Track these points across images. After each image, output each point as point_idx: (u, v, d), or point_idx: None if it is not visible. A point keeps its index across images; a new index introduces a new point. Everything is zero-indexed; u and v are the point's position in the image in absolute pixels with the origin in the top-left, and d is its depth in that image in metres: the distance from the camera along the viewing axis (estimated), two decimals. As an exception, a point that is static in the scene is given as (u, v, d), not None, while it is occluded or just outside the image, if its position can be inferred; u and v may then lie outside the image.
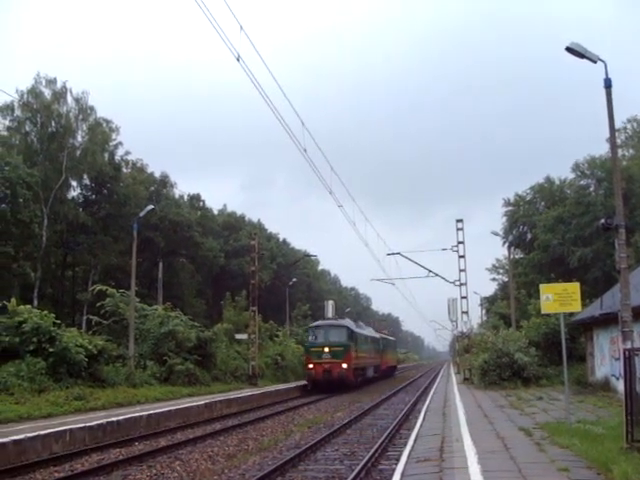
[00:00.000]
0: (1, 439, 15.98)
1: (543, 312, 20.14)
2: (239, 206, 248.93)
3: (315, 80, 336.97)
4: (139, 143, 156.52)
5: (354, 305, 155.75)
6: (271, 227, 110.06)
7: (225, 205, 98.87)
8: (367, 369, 52.77)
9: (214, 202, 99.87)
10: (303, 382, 47.25)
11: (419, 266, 50.11)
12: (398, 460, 13.61)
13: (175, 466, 15.42)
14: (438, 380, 52.68)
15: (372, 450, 16.43)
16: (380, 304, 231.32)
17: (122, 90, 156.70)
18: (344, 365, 43.56)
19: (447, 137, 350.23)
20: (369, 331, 60.68)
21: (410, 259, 49.96)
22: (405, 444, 15.89)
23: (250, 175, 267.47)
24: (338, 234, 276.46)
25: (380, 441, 18.07)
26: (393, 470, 12.64)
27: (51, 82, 60.17)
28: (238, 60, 18.48)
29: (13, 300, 28.89)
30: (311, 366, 44.24)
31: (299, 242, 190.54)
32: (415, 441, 15.55)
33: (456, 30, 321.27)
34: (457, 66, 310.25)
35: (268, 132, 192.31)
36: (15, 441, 16.22)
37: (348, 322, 49.82)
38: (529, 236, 76.19)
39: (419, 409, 26.40)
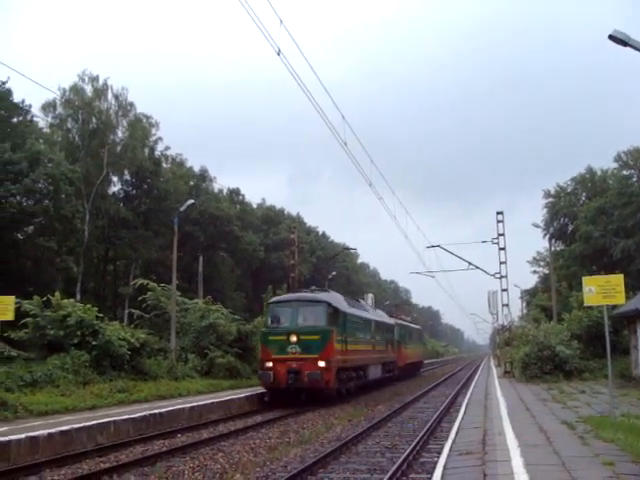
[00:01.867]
0: (49, 430, 16.30)
1: (586, 305, 19.96)
2: (285, 200, 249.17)
3: (356, 74, 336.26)
4: (181, 138, 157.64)
5: (393, 298, 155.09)
6: (313, 221, 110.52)
7: (264, 199, 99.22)
8: (367, 369, 36.01)
9: (262, 197, 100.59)
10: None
11: (459, 259, 49.73)
12: (440, 453, 13.60)
13: (218, 458, 15.56)
14: (478, 373, 52.41)
15: (413, 443, 16.41)
16: (420, 297, 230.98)
17: (165, 86, 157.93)
18: (321, 363, 27.53)
19: (492, 129, 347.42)
20: (376, 314, 43.42)
21: (450, 252, 49.64)
22: (446, 437, 15.86)
23: (296, 169, 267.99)
24: (378, 227, 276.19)
25: (421, 434, 18.04)
26: (435, 463, 12.63)
27: (93, 79, 60.91)
28: (279, 54, 18.52)
29: (57, 294, 29.31)
30: (269, 364, 28.08)
31: (339, 236, 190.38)
32: (456, 434, 15.50)
33: (499, 24, 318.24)
34: (501, 58, 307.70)
35: (311, 126, 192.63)
36: (62, 432, 16.53)
37: (332, 296, 32.38)
38: (570, 228, 75.30)
39: (460, 402, 26.32)
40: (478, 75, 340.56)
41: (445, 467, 11.39)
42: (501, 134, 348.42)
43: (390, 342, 44.71)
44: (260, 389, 29.69)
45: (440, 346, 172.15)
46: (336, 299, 32.06)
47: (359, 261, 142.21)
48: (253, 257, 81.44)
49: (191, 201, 39.55)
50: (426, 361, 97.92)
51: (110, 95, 61.79)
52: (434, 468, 11.90)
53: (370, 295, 54.89)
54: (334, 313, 29.62)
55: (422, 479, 12.79)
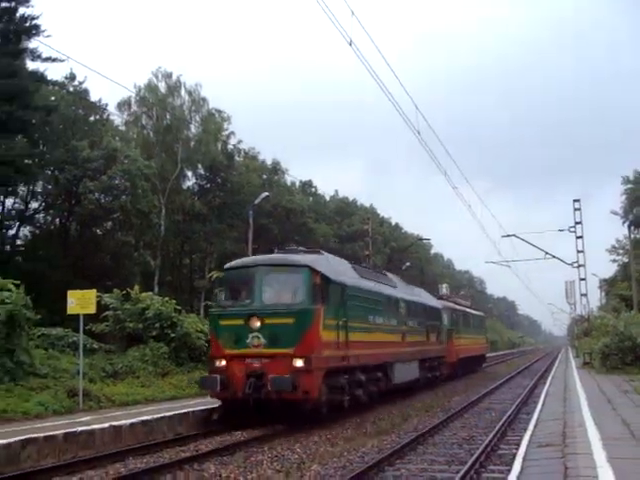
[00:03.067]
0: (131, 419, 16.72)
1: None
2: (358, 192, 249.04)
3: (427, 64, 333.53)
4: (254, 132, 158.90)
5: (468, 288, 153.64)
6: (387, 211, 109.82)
7: (337, 191, 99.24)
8: (392, 368, 25.36)
9: (335, 188, 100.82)
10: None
11: (536, 248, 48.90)
12: (518, 445, 13.42)
13: (295, 448, 15.67)
14: (556, 364, 51.53)
15: (491, 434, 16.26)
16: (495, 288, 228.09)
17: (238, 80, 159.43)
18: (297, 362, 18.05)
19: (576, 117, 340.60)
20: (409, 292, 32.04)
21: (526, 241, 48.76)
22: (525, 429, 15.65)
23: (370, 160, 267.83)
24: (453, 217, 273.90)
25: (499, 425, 17.86)
26: (514, 455, 12.49)
27: (167, 76, 61.88)
28: (350, 45, 18.48)
29: (136, 287, 30.00)
30: (220, 363, 18.99)
31: (413, 226, 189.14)
32: (535, 426, 15.30)
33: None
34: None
35: (386, 116, 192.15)
36: (144, 421, 16.95)
37: (322, 260, 21.39)
38: (650, 215, 73.28)
39: (538, 393, 25.94)
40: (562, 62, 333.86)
41: (525, 459, 11.26)
42: (586, 121, 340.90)
43: (435, 331, 34.01)
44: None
45: (516, 337, 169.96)
46: (329, 264, 21.36)
47: (433, 252, 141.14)
48: (327, 249, 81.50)
49: (265, 194, 39.83)
50: (500, 352, 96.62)
51: (183, 91, 62.67)
52: (513, 460, 11.78)
53: (445, 285, 54.41)
54: (323, 284, 19.28)
55: (501, 471, 12.65)
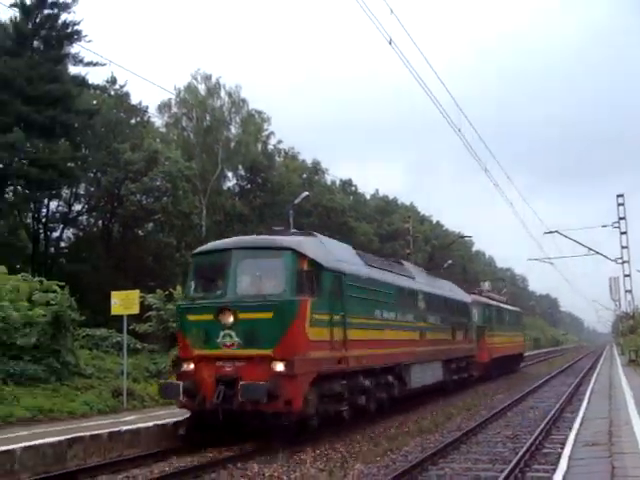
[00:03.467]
0: (175, 418, 16.83)
1: None
2: (398, 191, 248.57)
3: (473, 59, 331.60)
4: (294, 132, 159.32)
5: (509, 285, 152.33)
6: (428, 209, 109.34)
7: (377, 190, 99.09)
8: (409, 371, 22.44)
9: (376, 187, 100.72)
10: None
11: (579, 244, 48.27)
12: (563, 444, 13.27)
13: (338, 447, 15.68)
14: (601, 362, 50.89)
15: (535, 433, 16.12)
16: (537, 285, 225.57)
17: (277, 80, 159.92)
18: (277, 366, 15.02)
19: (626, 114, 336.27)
20: (430, 283, 28.40)
21: (569, 237, 48.18)
22: (570, 427, 15.48)
23: (411, 159, 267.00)
24: (494, 214, 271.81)
25: (543, 424, 17.69)
26: (559, 454, 12.36)
27: (206, 78, 62.38)
28: (390, 44, 18.47)
29: (178, 288, 30.19)
30: (188, 367, 16.06)
31: (454, 223, 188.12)
32: (581, 424, 15.12)
33: None
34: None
35: (426, 113, 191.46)
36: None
37: (310, 242, 17.81)
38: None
39: (583, 392, 25.64)
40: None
41: (570, 458, 11.13)
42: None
43: (462, 328, 30.99)
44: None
45: (559, 334, 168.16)
46: (323, 248, 17.96)
47: (474, 249, 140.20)
48: (368, 248, 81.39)
49: (305, 193, 39.93)
50: (543, 350, 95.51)
51: (223, 93, 63.08)
52: (558, 459, 11.65)
53: (487, 283, 53.92)
54: (312, 271, 16.18)
55: (546, 470, 12.51)
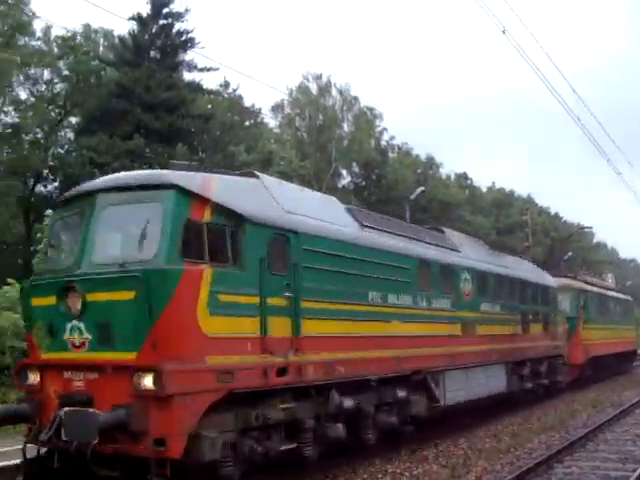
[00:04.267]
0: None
1: None
2: (518, 182, 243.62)
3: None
4: (408, 127, 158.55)
5: (634, 277, 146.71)
6: (547, 201, 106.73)
7: (493, 182, 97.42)
8: (442, 378, 15.58)
9: (494, 180, 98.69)
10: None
11: None
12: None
13: (460, 444, 15.42)
14: None
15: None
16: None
17: (388, 76, 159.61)
18: (144, 381, 8.55)
19: None
20: (478, 257, 19.54)
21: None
22: None
23: (528, 149, 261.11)
24: (616, 204, 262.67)
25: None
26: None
27: (317, 77, 62.94)
28: (504, 33, 18.06)
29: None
30: (35, 379, 9.66)
31: (574, 214, 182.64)
32: None
33: None
34: None
35: (542, 104, 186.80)
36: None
37: (203, 178, 10.12)
38: None
39: None
40: None
41: None
42: None
43: (541, 320, 23.64)
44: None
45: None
46: (253, 192, 11.09)
47: (595, 240, 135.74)
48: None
49: (421, 188, 39.68)
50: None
51: (334, 91, 63.49)
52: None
53: (610, 275, 51.97)
54: (218, 224, 9.87)
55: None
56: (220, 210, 9.80)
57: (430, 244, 16.59)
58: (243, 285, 9.94)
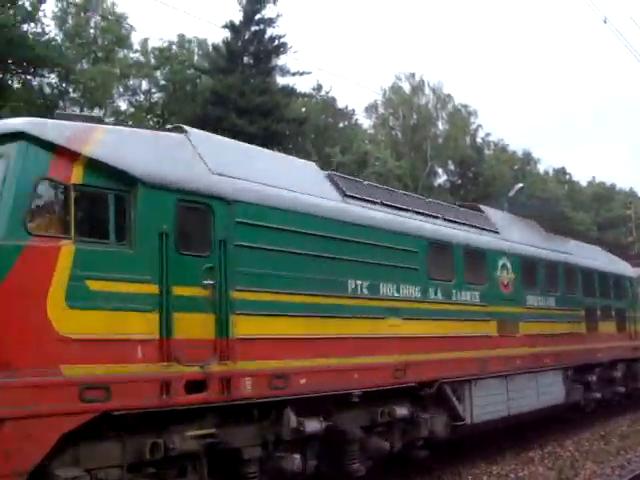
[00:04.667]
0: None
1: None
2: (619, 175, 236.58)
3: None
4: (507, 122, 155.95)
5: None
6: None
7: (594, 177, 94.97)
8: (468, 389, 12.57)
9: (595, 174, 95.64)
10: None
11: None
12: None
13: (567, 445, 15.14)
14: None
15: None
16: None
17: (482, 72, 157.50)
18: None
19: None
20: (528, 241, 16.55)
21: None
22: None
23: (632, 141, 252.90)
24: None
25: None
26: None
27: (410, 77, 62.77)
28: (605, 23, 17.58)
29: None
30: None
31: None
32: None
33: None
34: None
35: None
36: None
37: (74, 129, 7.40)
38: None
39: None
40: None
41: None
42: None
43: (612, 316, 19.98)
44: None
45: None
46: (166, 148, 8.38)
47: None
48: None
49: (520, 185, 39.06)
50: None
51: (427, 90, 63.19)
52: None
53: None
54: (92, 187, 7.30)
55: None
56: (99, 168, 7.35)
57: (452, 222, 13.47)
58: (130, 269, 7.36)
